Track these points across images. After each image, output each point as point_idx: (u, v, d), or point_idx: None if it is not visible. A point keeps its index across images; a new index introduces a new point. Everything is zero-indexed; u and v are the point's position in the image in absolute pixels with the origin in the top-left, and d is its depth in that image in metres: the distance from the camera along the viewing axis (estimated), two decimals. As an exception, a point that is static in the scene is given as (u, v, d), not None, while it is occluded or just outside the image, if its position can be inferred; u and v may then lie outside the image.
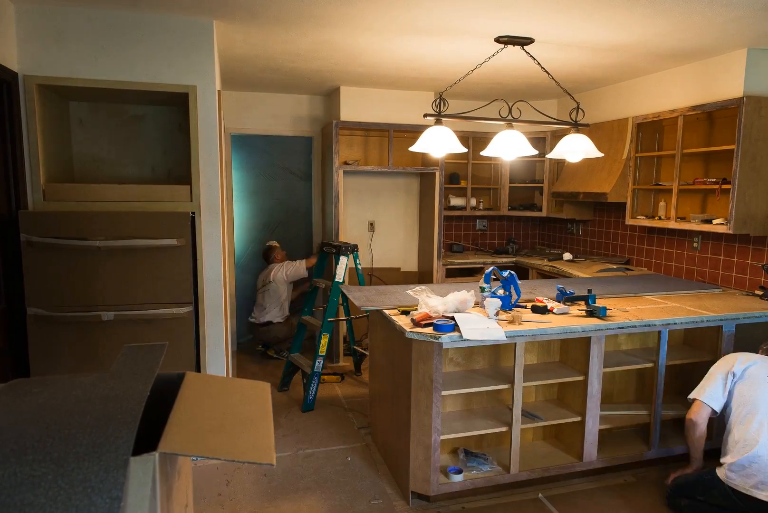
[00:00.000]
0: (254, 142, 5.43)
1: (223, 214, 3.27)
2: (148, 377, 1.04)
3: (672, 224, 3.87)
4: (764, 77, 3.41)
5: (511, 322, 2.69)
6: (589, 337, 2.74)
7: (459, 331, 2.48)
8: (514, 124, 3.15)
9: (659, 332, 2.90)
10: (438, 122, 3.13)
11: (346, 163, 4.79)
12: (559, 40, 3.24)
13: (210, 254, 3.13)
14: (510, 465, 2.75)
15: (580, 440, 2.85)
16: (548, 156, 3.59)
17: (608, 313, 2.84)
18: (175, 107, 3.28)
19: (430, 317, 2.61)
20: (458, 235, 5.82)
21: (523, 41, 3.19)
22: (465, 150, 3.24)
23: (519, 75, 4.17)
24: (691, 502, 2.53)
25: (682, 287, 3.65)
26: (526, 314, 2.84)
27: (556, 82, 3.41)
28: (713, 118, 3.80)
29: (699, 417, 2.54)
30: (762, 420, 2.40)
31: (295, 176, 5.65)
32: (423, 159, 5.06)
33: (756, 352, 2.72)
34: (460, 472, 2.71)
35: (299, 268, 4.80)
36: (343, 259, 3.99)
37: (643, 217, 4.22)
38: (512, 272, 2.91)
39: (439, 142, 3.10)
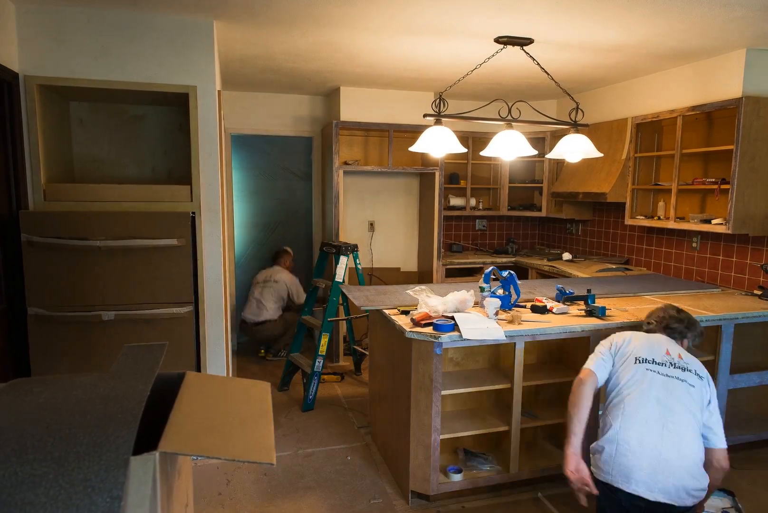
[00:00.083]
0: (254, 142, 5.43)
1: (223, 214, 3.28)
2: (149, 377, 1.04)
3: (671, 224, 3.88)
4: (763, 77, 3.41)
5: (510, 321, 2.69)
6: (589, 337, 2.75)
7: (459, 331, 2.48)
8: (513, 124, 3.16)
9: (658, 332, 2.90)
10: (438, 122, 3.13)
11: (346, 163, 4.79)
12: (558, 41, 3.24)
13: (210, 254, 3.13)
14: (510, 464, 2.75)
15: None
16: (548, 156, 3.59)
17: (607, 312, 2.84)
18: (175, 107, 3.28)
19: (430, 317, 2.62)
20: (458, 235, 5.82)
21: (522, 42, 3.19)
22: (465, 150, 3.24)
23: (518, 75, 4.17)
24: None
25: (681, 287, 3.66)
26: (526, 314, 2.84)
27: (555, 82, 3.41)
28: (712, 119, 3.81)
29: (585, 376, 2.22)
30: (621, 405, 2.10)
31: (296, 176, 5.65)
32: (423, 159, 5.07)
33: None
34: (459, 471, 2.72)
35: (301, 296, 4.87)
36: (343, 259, 3.99)
37: (642, 217, 4.22)
38: (512, 272, 2.91)
39: (438, 142, 3.10)
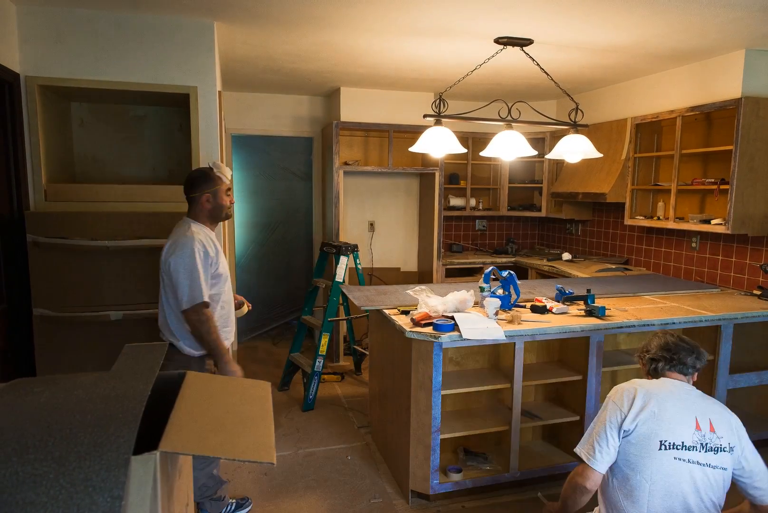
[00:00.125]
0: (255, 143, 5.44)
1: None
2: (149, 377, 1.04)
3: (670, 224, 3.88)
4: (762, 78, 3.42)
5: (510, 321, 2.69)
6: (588, 337, 2.75)
7: (458, 331, 2.49)
8: (513, 124, 3.16)
9: (658, 332, 2.90)
10: (438, 123, 3.14)
11: (346, 163, 4.80)
12: (558, 41, 3.25)
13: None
14: (510, 464, 2.75)
15: (580, 439, 2.85)
16: (547, 156, 3.59)
17: (607, 312, 2.85)
18: (175, 108, 3.28)
19: (430, 317, 2.62)
20: (458, 235, 5.82)
21: (522, 42, 3.20)
22: (464, 150, 3.25)
23: (518, 76, 4.18)
24: None
25: (680, 287, 3.66)
26: (526, 314, 2.85)
27: (555, 82, 3.41)
28: (711, 119, 3.81)
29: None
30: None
31: (296, 176, 5.65)
32: (423, 159, 5.07)
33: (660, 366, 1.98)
34: (459, 471, 2.72)
35: None
36: (343, 259, 4.00)
37: (641, 218, 4.22)
38: (511, 272, 2.91)
39: (438, 143, 3.11)
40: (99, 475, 0.77)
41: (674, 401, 1.82)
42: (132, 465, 0.82)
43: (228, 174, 2.43)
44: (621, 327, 2.76)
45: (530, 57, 3.28)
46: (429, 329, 2.53)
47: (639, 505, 1.77)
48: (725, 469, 1.77)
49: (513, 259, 5.28)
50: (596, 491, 1.90)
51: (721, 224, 3.51)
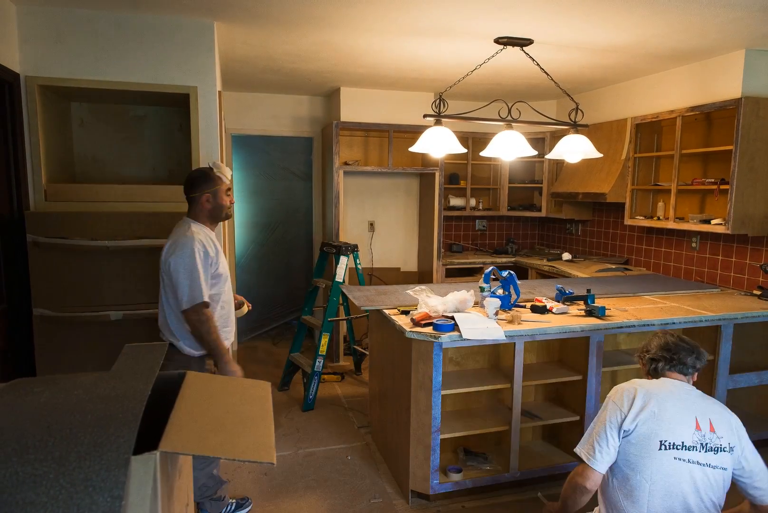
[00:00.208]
0: (255, 143, 5.44)
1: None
2: (149, 377, 1.04)
3: (671, 224, 3.88)
4: (762, 78, 3.42)
5: (510, 321, 2.69)
6: (588, 337, 2.75)
7: (458, 331, 2.49)
8: (513, 124, 3.16)
9: (658, 332, 2.90)
10: (438, 123, 3.14)
11: (346, 163, 4.80)
12: (558, 41, 3.25)
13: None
14: (510, 464, 2.75)
15: (580, 439, 2.85)
16: (547, 156, 3.59)
17: (607, 312, 2.85)
18: (175, 108, 3.28)
19: (430, 317, 2.62)
20: (458, 235, 5.82)
21: (522, 42, 3.20)
22: (464, 150, 3.25)
23: (518, 76, 4.18)
24: None
25: (680, 287, 3.66)
26: (526, 314, 2.85)
27: (555, 82, 3.41)
28: (712, 119, 3.81)
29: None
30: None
31: (296, 176, 5.65)
32: (423, 159, 5.07)
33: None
34: (459, 471, 2.72)
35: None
36: (343, 259, 4.00)
37: (641, 218, 4.22)
38: (511, 272, 2.91)
39: (438, 143, 3.11)
40: (99, 475, 0.77)
41: (674, 401, 1.82)
42: (132, 465, 0.82)
43: (228, 174, 2.43)
44: (621, 327, 2.76)
45: (530, 57, 3.28)
46: (429, 329, 2.53)
47: (639, 505, 1.77)
48: (725, 469, 1.77)
49: (513, 259, 5.28)
50: (596, 491, 1.90)
51: (721, 224, 3.51)
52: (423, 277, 5.35)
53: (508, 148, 3.12)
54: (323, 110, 5.23)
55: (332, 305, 3.91)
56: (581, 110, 3.32)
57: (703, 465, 1.75)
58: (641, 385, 1.87)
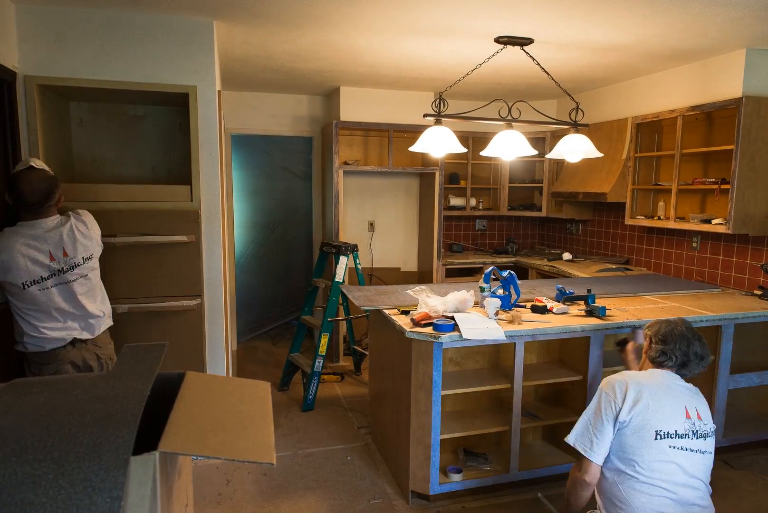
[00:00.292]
0: (254, 142, 5.43)
1: (223, 214, 3.28)
2: (149, 377, 1.04)
3: (671, 224, 3.88)
4: (763, 78, 3.41)
5: (510, 321, 2.69)
6: (589, 337, 2.75)
7: (459, 331, 2.48)
8: (513, 124, 3.16)
9: (658, 332, 2.90)
10: (438, 122, 3.13)
11: (346, 163, 4.79)
12: (558, 41, 3.24)
13: (210, 254, 3.14)
14: (510, 465, 2.75)
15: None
16: (548, 156, 3.59)
17: (607, 312, 2.84)
18: (175, 107, 3.28)
19: (430, 317, 2.62)
20: (458, 235, 5.82)
21: (522, 42, 3.19)
22: (465, 150, 3.24)
23: (518, 75, 4.17)
24: None
25: (681, 287, 3.66)
26: (526, 314, 2.84)
27: (555, 82, 3.41)
28: (712, 119, 3.81)
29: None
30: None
31: (295, 176, 5.65)
32: (423, 159, 5.07)
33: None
34: (459, 471, 2.72)
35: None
36: (343, 259, 3.99)
37: (642, 217, 4.22)
38: (512, 272, 2.91)
39: (438, 142, 3.10)
40: (98, 475, 0.76)
41: (665, 391, 1.91)
42: (131, 465, 0.81)
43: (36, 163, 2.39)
44: (621, 327, 2.76)
45: (530, 56, 3.27)
46: (429, 329, 2.52)
47: (638, 495, 1.83)
48: (711, 452, 1.91)
49: (513, 259, 5.28)
50: (594, 492, 1.93)
51: (721, 224, 3.51)
52: (423, 277, 5.34)
53: (509, 147, 3.12)
54: (323, 110, 5.23)
55: (332, 305, 3.90)
56: (581, 110, 3.32)
57: (695, 451, 1.86)
58: (631, 378, 1.95)
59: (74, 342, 2.39)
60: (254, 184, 5.54)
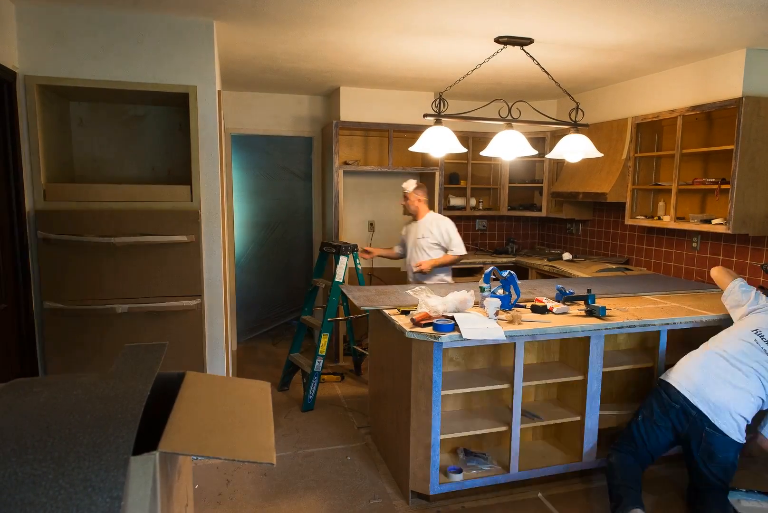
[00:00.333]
0: (254, 142, 5.43)
1: (223, 214, 3.28)
2: (149, 377, 1.04)
3: (671, 224, 3.88)
4: (763, 78, 3.41)
5: (510, 321, 2.69)
6: (589, 337, 2.75)
7: (459, 331, 2.48)
8: (513, 124, 3.16)
9: (658, 332, 2.90)
10: (438, 122, 3.13)
11: (346, 163, 4.79)
12: (558, 41, 3.24)
13: (210, 254, 3.14)
14: (510, 464, 2.75)
15: (580, 440, 2.85)
16: (548, 156, 3.59)
17: (607, 312, 2.84)
18: (175, 107, 3.28)
19: (430, 317, 2.62)
20: (458, 235, 5.81)
21: (522, 42, 3.19)
22: (465, 150, 3.24)
23: (518, 75, 4.17)
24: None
25: (681, 287, 3.65)
26: (526, 314, 2.84)
27: (555, 82, 3.41)
28: (712, 119, 3.81)
29: None
30: None
31: (295, 176, 5.65)
32: (423, 159, 5.06)
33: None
34: (459, 471, 2.72)
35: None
36: (342, 259, 3.99)
37: (642, 217, 4.22)
38: (512, 272, 2.91)
39: (438, 142, 3.10)
40: (98, 475, 0.76)
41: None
42: (131, 465, 0.81)
43: None
44: (621, 327, 2.76)
45: (530, 56, 3.27)
46: (429, 329, 2.52)
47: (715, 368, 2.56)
48: None
49: (513, 259, 5.28)
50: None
51: (721, 224, 3.51)
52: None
53: (509, 147, 3.12)
54: (323, 110, 5.23)
55: (332, 305, 3.90)
56: (581, 110, 3.32)
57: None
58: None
59: None
60: (254, 184, 5.54)
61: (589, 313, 2.83)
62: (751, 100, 3.33)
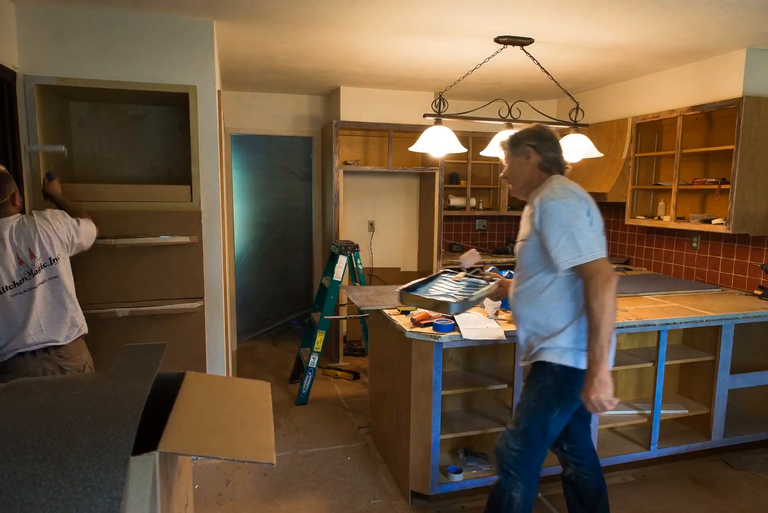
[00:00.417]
0: (254, 142, 5.43)
1: (223, 214, 3.28)
2: (148, 377, 1.04)
3: (671, 224, 3.88)
4: (763, 77, 3.41)
5: (510, 321, 2.69)
6: (589, 337, 2.74)
7: (459, 331, 2.48)
8: (513, 124, 3.16)
9: (659, 332, 2.90)
10: (438, 122, 3.13)
11: (346, 163, 4.79)
12: (558, 41, 3.24)
13: (210, 254, 3.13)
14: (509, 465, 2.75)
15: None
16: (548, 156, 3.58)
17: (608, 312, 2.83)
18: (175, 107, 3.28)
19: (430, 317, 2.62)
20: (458, 234, 5.82)
21: (522, 41, 3.19)
22: (465, 150, 3.24)
23: (518, 75, 4.17)
24: None
25: (681, 287, 3.65)
26: (526, 314, 2.84)
27: (555, 82, 3.41)
28: (712, 119, 3.81)
29: None
30: None
31: (295, 176, 5.65)
32: (423, 159, 5.06)
33: None
34: (459, 471, 2.72)
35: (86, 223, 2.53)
36: (342, 259, 4.00)
37: (642, 217, 4.22)
38: (512, 272, 2.91)
39: (438, 142, 3.10)
40: (98, 475, 0.76)
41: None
42: (131, 465, 0.81)
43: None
44: (621, 327, 2.76)
45: (531, 56, 3.27)
46: (429, 329, 2.52)
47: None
48: None
49: (513, 259, 5.27)
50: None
51: (721, 224, 3.51)
52: (423, 277, 5.33)
53: (509, 147, 3.11)
54: (323, 110, 5.23)
55: (329, 303, 3.91)
56: (581, 110, 3.32)
57: None
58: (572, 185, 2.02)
59: (35, 352, 2.17)
60: (254, 184, 5.54)
61: (589, 313, 2.82)
62: (751, 100, 3.33)
